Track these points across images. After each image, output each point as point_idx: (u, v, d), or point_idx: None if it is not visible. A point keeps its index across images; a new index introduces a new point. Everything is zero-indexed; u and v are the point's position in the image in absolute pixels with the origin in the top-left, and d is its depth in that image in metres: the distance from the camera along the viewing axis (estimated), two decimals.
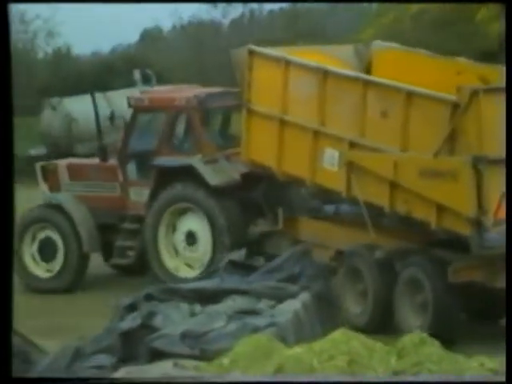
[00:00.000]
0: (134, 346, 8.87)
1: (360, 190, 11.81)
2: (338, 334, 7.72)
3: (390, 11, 23.26)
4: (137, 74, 17.87)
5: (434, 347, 7.83)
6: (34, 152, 17.21)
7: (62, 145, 22.58)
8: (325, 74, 12.33)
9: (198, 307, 9.40)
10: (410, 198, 11.43)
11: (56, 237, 14.58)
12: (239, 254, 10.68)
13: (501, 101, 10.36)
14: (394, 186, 11.60)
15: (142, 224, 13.93)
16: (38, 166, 15.39)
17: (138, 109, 14.18)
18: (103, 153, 14.41)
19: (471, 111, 10.78)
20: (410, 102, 11.44)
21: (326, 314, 9.76)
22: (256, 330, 8.59)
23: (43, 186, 15.15)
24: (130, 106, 14.19)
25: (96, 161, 14.64)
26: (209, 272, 10.55)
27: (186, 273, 13.74)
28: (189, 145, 13.99)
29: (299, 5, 29.60)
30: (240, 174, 13.53)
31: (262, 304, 9.37)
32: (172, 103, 13.97)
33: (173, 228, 13.86)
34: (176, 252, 13.90)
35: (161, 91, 15.07)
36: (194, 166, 13.48)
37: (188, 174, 13.52)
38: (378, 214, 11.83)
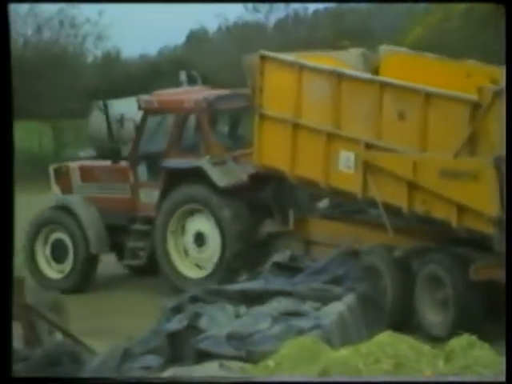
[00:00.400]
0: (180, 347, 8.92)
1: (377, 190, 11.83)
2: (385, 337, 7.70)
3: (438, 10, 23.08)
4: (183, 76, 18.02)
5: (482, 350, 7.77)
6: (83, 154, 17.50)
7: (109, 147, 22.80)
8: (339, 77, 12.40)
9: (243, 309, 9.42)
10: (428, 198, 11.43)
11: (66, 238, 14.79)
12: (284, 256, 10.69)
13: None
14: (412, 186, 11.59)
15: (153, 225, 14.08)
16: (51, 168, 15.65)
17: (147, 111, 14.34)
18: (115, 154, 14.57)
19: (493, 112, 10.80)
20: (429, 103, 11.45)
21: (371, 316, 9.73)
22: (301, 331, 8.60)
23: (55, 188, 15.38)
24: (140, 108, 14.38)
25: (108, 163, 14.78)
26: (254, 274, 10.59)
27: (195, 273, 13.89)
28: (198, 146, 14.06)
29: (344, 4, 29.52)
30: (248, 175, 13.62)
31: (307, 306, 9.37)
32: (181, 105, 14.15)
33: (182, 229, 14.00)
34: (186, 253, 14.04)
35: (170, 93, 15.19)
36: (202, 168, 13.60)
37: (196, 175, 13.64)
38: (395, 214, 11.85)
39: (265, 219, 13.84)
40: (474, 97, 11.14)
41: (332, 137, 12.38)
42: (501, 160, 10.66)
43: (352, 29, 28.04)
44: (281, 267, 10.39)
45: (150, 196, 14.19)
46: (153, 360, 8.81)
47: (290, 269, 10.37)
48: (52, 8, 28.01)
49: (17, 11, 27.44)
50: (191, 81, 19.78)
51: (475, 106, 11.07)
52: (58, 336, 10.61)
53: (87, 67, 30.30)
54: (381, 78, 12.54)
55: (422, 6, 25.44)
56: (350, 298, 9.59)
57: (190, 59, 27.79)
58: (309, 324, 8.84)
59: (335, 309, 9.27)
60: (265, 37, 28.75)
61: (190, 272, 13.94)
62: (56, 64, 27.76)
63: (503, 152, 10.20)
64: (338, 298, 9.56)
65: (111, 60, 31.24)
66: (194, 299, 9.76)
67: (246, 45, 28.31)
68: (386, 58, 13.70)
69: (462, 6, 22.46)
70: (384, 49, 13.98)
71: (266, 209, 13.88)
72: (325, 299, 9.50)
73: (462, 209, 11.12)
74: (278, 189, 13.84)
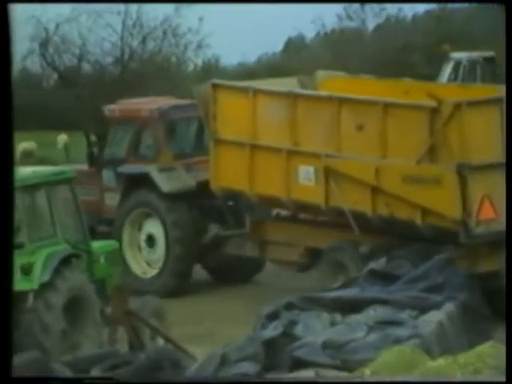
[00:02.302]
0: (275, 354, 8.84)
1: (340, 196, 12.50)
2: (486, 347, 7.45)
3: None
4: None
5: None
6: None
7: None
8: (295, 97, 13.15)
9: (338, 317, 9.29)
10: (392, 201, 12.13)
11: None
12: (380, 263, 10.51)
13: (482, 112, 11.64)
14: (375, 191, 12.28)
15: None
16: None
17: (110, 119, 15.26)
18: (89, 160, 15.32)
19: (454, 122, 11.68)
20: (387, 113, 12.22)
21: (472, 326, 9.47)
22: (398, 340, 8.41)
23: None
24: (105, 116, 15.34)
25: (85, 167, 15.49)
26: (349, 281, 10.44)
27: (145, 274, 14.82)
28: (152, 153, 14.94)
29: (444, 7, 29.03)
30: (199, 181, 14.34)
31: (405, 314, 9.17)
32: (138, 114, 15.09)
33: (138, 230, 14.90)
34: (139, 253, 14.92)
35: (133, 102, 16.07)
36: (149, 174, 14.48)
37: (146, 181, 14.53)
38: (360, 217, 12.49)
39: (216, 223, 14.53)
40: (431, 103, 11.82)
41: (291, 153, 13.14)
42: (463, 166, 11.49)
43: (452, 32, 27.55)
44: (376, 274, 10.22)
45: (113, 199, 15.02)
46: (249, 366, 8.76)
47: (386, 276, 10.20)
48: (158, 18, 28.39)
49: (125, 23, 27.94)
50: None
51: (432, 112, 11.76)
52: (160, 341, 10.69)
53: (188, 75, 30.61)
54: (338, 94, 13.18)
55: None
56: (449, 307, 9.35)
57: (287, 66, 27.76)
58: (406, 333, 8.65)
59: (434, 318, 9.05)
60: (363, 42, 28.50)
61: (140, 272, 14.80)
62: (159, 73, 28.15)
63: (464, 159, 11.49)
64: (437, 306, 9.34)
65: (210, 68, 31.46)
66: (290, 306, 9.67)
67: (344, 51, 28.13)
68: (323, 82, 14.35)
69: None
70: (320, 73, 14.70)
71: (217, 213, 14.47)
72: (423, 308, 9.29)
73: (425, 211, 11.83)
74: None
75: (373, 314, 9.21)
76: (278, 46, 32.42)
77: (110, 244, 12.28)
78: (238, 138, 13.64)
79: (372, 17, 29.12)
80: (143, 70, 28.36)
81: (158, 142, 14.87)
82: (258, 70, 28.90)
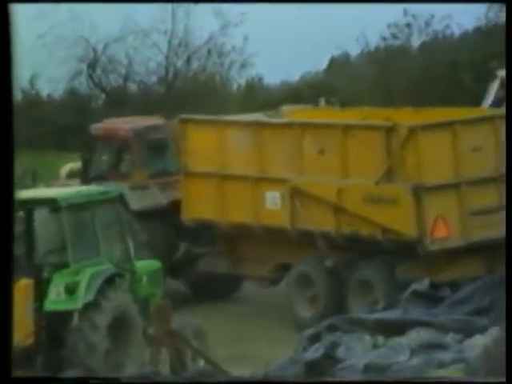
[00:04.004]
0: (317, 376, 8.78)
1: (305, 217, 13.22)
2: None
3: None
4: (322, 101, 18.14)
5: None
6: None
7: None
8: (260, 126, 13.91)
9: (380, 339, 9.21)
10: (354, 220, 12.83)
11: None
12: (423, 284, 10.43)
13: (435, 135, 12.38)
14: (338, 210, 13.01)
15: None
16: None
17: (96, 137, 15.90)
18: (80, 177, 15.94)
19: (409, 145, 12.37)
20: (347, 135, 12.91)
21: None
22: (441, 365, 8.31)
23: None
24: (92, 134, 15.99)
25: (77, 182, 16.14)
26: (391, 302, 10.38)
27: None
28: (129, 172, 15.55)
29: (492, 23, 28.79)
30: (173, 200, 14.82)
31: (449, 338, 9.07)
32: (117, 133, 15.73)
33: None
34: None
35: (116, 122, 16.74)
36: (121, 192, 14.68)
37: (122, 199, 14.84)
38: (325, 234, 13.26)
39: (188, 241, 15.01)
40: (387, 123, 12.58)
41: (258, 180, 13.85)
42: (418, 187, 12.24)
43: (501, 50, 27.29)
44: (420, 296, 10.14)
45: None
46: None
47: (429, 298, 10.12)
48: (203, 37, 28.55)
49: (171, 43, 28.16)
50: (330, 106, 19.85)
51: (389, 134, 12.45)
52: (201, 363, 10.69)
53: (232, 94, 30.71)
54: (299, 120, 13.96)
55: None
56: (495, 331, 9.21)
57: (331, 84, 27.72)
58: (450, 357, 8.54)
59: (479, 342, 8.92)
60: (408, 60, 28.37)
61: None
62: (203, 92, 28.30)
63: (420, 180, 12.21)
64: (482, 330, 9.20)
65: (254, 87, 31.52)
66: (332, 328, 9.61)
67: (388, 68, 28.03)
68: (287, 115, 14.95)
69: None
70: (284, 108, 15.60)
71: (190, 231, 14.86)
72: (468, 331, 9.17)
73: (385, 227, 12.55)
74: None
75: (416, 336, 9.11)
76: (322, 65, 32.45)
77: (153, 264, 12.34)
78: (207, 170, 14.38)
79: (417, 34, 28.97)
80: (187, 89, 28.53)
81: (134, 160, 15.45)
82: (301, 89, 28.91)
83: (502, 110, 15.24)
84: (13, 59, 5.73)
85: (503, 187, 12.56)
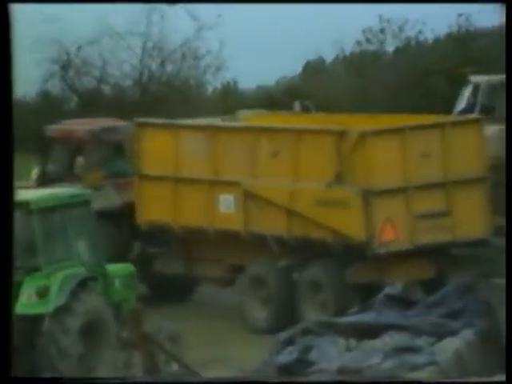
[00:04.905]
0: (290, 379, 8.76)
1: (258, 220, 13.48)
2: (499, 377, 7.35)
3: None
4: (297, 106, 18.19)
5: None
6: None
7: None
8: (215, 129, 14.08)
9: (353, 342, 9.21)
10: (306, 223, 13.07)
11: None
12: (396, 288, 10.43)
13: (385, 140, 12.68)
14: (290, 213, 13.25)
15: None
16: None
17: (52, 139, 15.92)
18: (37, 179, 15.93)
19: (360, 149, 12.67)
20: (300, 139, 13.18)
21: (491, 354, 9.34)
22: (414, 368, 8.31)
23: None
24: (48, 135, 15.99)
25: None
26: (365, 306, 10.38)
27: None
28: (83, 173, 15.60)
29: (465, 30, 28.92)
30: (128, 201, 14.92)
31: (421, 341, 9.07)
32: (72, 135, 15.79)
33: None
34: None
35: (70, 123, 16.74)
36: None
37: None
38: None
39: (143, 241, 15.10)
40: (338, 128, 12.89)
41: (212, 184, 14.05)
42: (367, 191, 12.48)
43: (474, 55, 27.46)
44: (393, 300, 10.14)
45: None
46: None
47: (402, 301, 10.12)
48: (177, 40, 28.48)
49: (146, 46, 28.07)
50: (305, 110, 19.89)
51: (339, 138, 12.76)
52: (174, 366, 10.63)
53: (207, 99, 30.64)
54: (254, 124, 14.27)
55: None
56: (467, 334, 9.23)
57: (306, 89, 27.74)
58: (423, 360, 8.54)
59: (452, 345, 8.94)
60: (382, 65, 28.48)
61: None
62: (178, 95, 28.22)
63: (369, 184, 12.49)
64: (454, 333, 9.22)
65: (229, 91, 31.48)
66: (306, 331, 9.59)
67: (363, 73, 28.11)
68: (242, 120, 15.19)
69: None
70: (241, 112, 15.83)
71: (144, 232, 14.94)
72: (440, 334, 9.18)
73: (335, 230, 12.83)
74: None
75: (389, 340, 9.12)
76: (298, 69, 32.47)
77: (125, 267, 12.24)
78: (161, 173, 14.52)
79: (391, 39, 29.09)
80: (162, 92, 28.45)
81: (89, 162, 15.53)
82: (276, 93, 28.91)
83: (472, 116, 15.46)
84: (13, 59, 5.73)
85: (450, 192, 13.10)
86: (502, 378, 6.96)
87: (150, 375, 9.91)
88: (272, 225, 13.43)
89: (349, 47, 29.34)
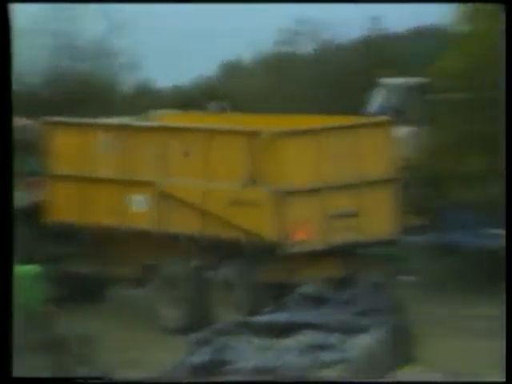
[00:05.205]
0: (205, 380, 8.79)
1: (171, 220, 13.52)
2: (409, 370, 7.55)
3: (479, 35, 22.51)
4: (212, 106, 18.20)
5: None
6: None
7: None
8: (127, 129, 14.13)
9: (268, 341, 9.28)
10: (219, 223, 13.12)
11: None
12: (309, 287, 10.56)
13: (298, 141, 12.77)
14: (203, 213, 13.29)
15: None
16: None
17: None
18: None
19: (272, 150, 12.72)
20: (212, 139, 13.26)
21: (400, 350, 9.53)
22: (326, 365, 8.43)
23: None
24: None
25: None
26: (278, 305, 10.48)
27: None
28: None
29: (379, 33, 29.32)
30: (36, 200, 14.83)
31: (334, 338, 9.21)
32: None
33: None
34: None
35: None
36: None
37: None
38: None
39: (52, 242, 14.99)
40: (250, 128, 13.05)
41: (124, 183, 14.08)
42: (279, 191, 12.62)
43: (387, 58, 27.87)
44: (306, 298, 10.27)
45: None
46: None
47: (315, 300, 10.25)
48: (91, 38, 28.17)
49: (58, 44, 27.68)
50: (221, 111, 19.94)
51: (252, 139, 12.87)
52: (86, 368, 10.55)
53: (121, 98, 30.42)
54: (166, 123, 14.33)
55: (460, 30, 24.86)
56: (378, 331, 9.40)
57: (222, 89, 27.79)
58: (335, 357, 8.68)
59: (362, 342, 9.10)
60: (299, 67, 28.72)
61: None
62: (91, 94, 27.94)
63: (281, 184, 12.61)
64: (365, 330, 9.38)
65: (144, 90, 31.32)
66: (221, 332, 9.63)
67: (280, 75, 28.29)
68: (155, 119, 15.32)
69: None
70: (155, 112, 16.09)
71: (54, 232, 14.88)
72: (352, 332, 9.33)
73: (248, 231, 12.95)
74: None
75: (303, 338, 9.22)
76: (214, 69, 32.50)
77: (33, 268, 12.06)
78: (71, 172, 14.47)
79: (308, 41, 29.33)
80: (74, 91, 28.13)
81: None
82: (191, 93, 28.88)
83: (383, 118, 15.73)
84: (13, 59, 5.69)
85: (362, 193, 13.40)
86: (494, 378, 7.11)
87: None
88: (185, 224, 13.43)
89: (266, 48, 29.48)
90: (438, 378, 7.44)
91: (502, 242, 18.30)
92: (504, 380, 6.82)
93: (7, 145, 5.56)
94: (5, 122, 5.50)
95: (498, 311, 14.29)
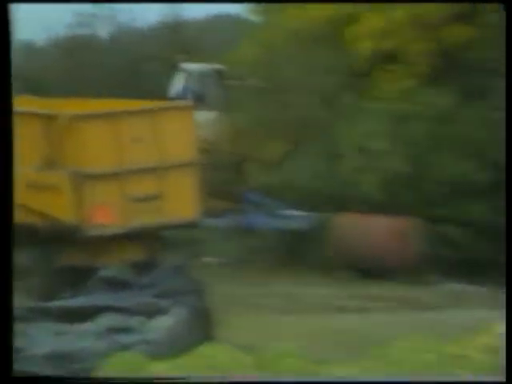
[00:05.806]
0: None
1: None
2: (206, 348, 7.64)
3: (272, 26, 23.05)
4: None
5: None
6: None
7: None
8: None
9: (66, 326, 9.07)
10: (17, 208, 12.99)
11: None
12: (110, 270, 10.42)
13: (96, 124, 12.96)
14: None
15: None
16: None
17: None
18: None
19: (70, 133, 12.84)
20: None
21: (200, 329, 9.59)
22: (126, 347, 8.34)
23: None
24: None
25: None
26: (78, 290, 10.31)
27: None
28: None
29: (177, 18, 29.35)
30: None
31: (134, 321, 9.13)
32: None
33: None
34: None
35: None
36: None
37: None
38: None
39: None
40: (47, 111, 13.08)
41: None
42: (77, 174, 12.68)
43: (186, 43, 27.95)
44: (107, 282, 10.14)
45: None
46: None
47: (116, 284, 10.13)
48: None
49: None
50: (16, 93, 19.45)
51: (49, 122, 12.95)
52: None
53: None
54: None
55: (257, 21, 25.31)
56: (178, 312, 9.41)
57: (17, 71, 26.95)
58: (135, 339, 8.60)
59: (162, 323, 9.08)
60: (96, 50, 28.28)
61: None
62: None
63: (80, 167, 12.69)
64: (165, 311, 9.36)
65: None
66: (14, 318, 9.28)
67: (76, 57, 27.74)
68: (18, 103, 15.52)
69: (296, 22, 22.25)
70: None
71: None
72: (152, 313, 9.28)
73: (45, 215, 12.92)
74: None
75: (102, 321, 9.08)
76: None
77: None
78: None
79: (104, 24, 28.91)
80: None
81: None
82: None
83: (183, 102, 15.74)
84: (12, 59, 5.29)
85: (163, 176, 13.40)
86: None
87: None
88: None
89: (61, 31, 28.78)
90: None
91: (297, 222, 18.79)
92: (504, 380, 6.92)
93: (7, 145, 5.32)
94: (5, 122, 5.25)
95: (295, 288, 14.81)
